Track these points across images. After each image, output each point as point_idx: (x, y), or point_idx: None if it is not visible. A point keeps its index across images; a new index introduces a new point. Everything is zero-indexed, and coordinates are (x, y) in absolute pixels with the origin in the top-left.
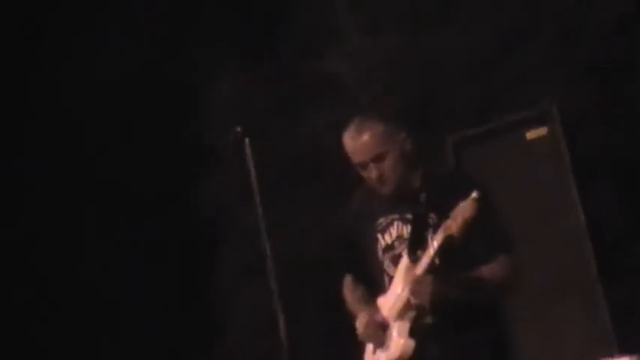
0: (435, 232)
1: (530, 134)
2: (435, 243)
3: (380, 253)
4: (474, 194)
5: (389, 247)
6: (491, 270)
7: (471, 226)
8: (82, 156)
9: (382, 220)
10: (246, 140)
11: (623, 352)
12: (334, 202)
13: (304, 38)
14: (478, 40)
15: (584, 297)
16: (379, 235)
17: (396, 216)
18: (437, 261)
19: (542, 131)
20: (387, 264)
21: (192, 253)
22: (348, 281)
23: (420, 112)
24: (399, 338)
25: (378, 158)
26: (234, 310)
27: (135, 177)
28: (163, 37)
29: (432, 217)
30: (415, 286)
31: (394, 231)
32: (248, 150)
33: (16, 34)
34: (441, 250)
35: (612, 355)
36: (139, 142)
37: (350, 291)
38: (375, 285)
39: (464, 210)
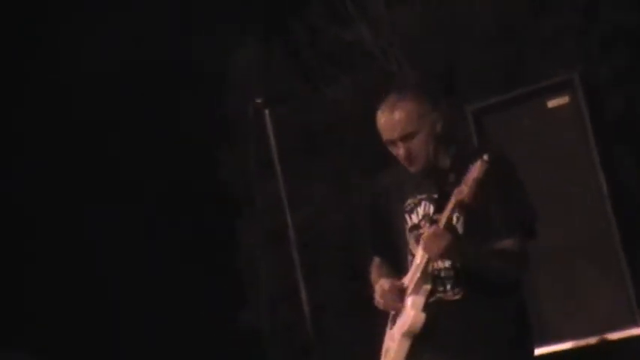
0: (457, 212)
1: (552, 102)
2: (448, 206)
3: (407, 233)
4: (485, 156)
5: (415, 227)
6: (505, 245)
7: (481, 189)
8: (104, 131)
9: (410, 201)
10: (266, 111)
11: None
12: (355, 172)
13: (327, 7)
14: (500, 10)
15: (607, 264)
16: (407, 216)
17: (424, 196)
18: (454, 221)
19: (563, 99)
20: (411, 243)
21: (215, 223)
22: (376, 261)
23: (443, 81)
24: (410, 310)
25: (407, 137)
26: (257, 279)
27: (157, 150)
28: (185, 6)
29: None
30: (430, 237)
31: (421, 210)
32: (268, 121)
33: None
34: (455, 215)
35: (636, 322)
36: (161, 114)
37: (377, 269)
38: (401, 266)
39: (473, 172)
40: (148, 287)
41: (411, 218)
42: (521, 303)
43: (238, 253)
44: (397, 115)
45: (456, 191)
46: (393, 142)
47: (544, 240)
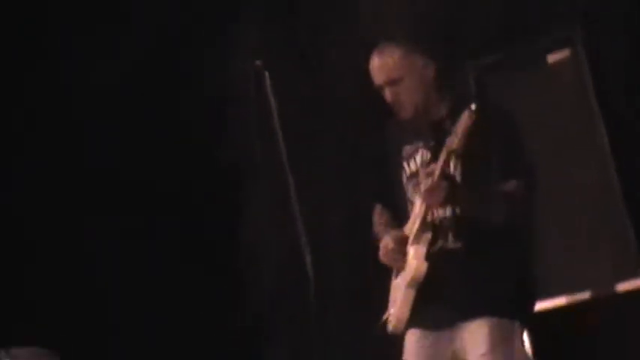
0: (455, 159)
1: (552, 57)
2: (441, 156)
3: (405, 181)
4: (472, 106)
5: (413, 175)
6: (504, 190)
7: (471, 138)
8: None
9: (408, 148)
10: (266, 74)
11: None
12: (357, 135)
13: None
14: None
15: (608, 220)
16: (404, 163)
17: (421, 144)
18: (451, 169)
19: (564, 54)
20: (410, 191)
21: (217, 191)
22: (377, 209)
23: (442, 38)
24: (413, 260)
25: (393, 82)
26: (261, 245)
27: (156, 120)
28: None
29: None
30: (428, 191)
31: (418, 158)
32: (268, 84)
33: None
34: (452, 163)
35: (638, 274)
36: (159, 80)
37: (378, 216)
38: (402, 214)
39: (462, 122)
40: (153, 255)
41: (409, 166)
42: (524, 253)
43: (240, 220)
44: (382, 59)
45: (447, 141)
46: (382, 88)
47: (545, 195)
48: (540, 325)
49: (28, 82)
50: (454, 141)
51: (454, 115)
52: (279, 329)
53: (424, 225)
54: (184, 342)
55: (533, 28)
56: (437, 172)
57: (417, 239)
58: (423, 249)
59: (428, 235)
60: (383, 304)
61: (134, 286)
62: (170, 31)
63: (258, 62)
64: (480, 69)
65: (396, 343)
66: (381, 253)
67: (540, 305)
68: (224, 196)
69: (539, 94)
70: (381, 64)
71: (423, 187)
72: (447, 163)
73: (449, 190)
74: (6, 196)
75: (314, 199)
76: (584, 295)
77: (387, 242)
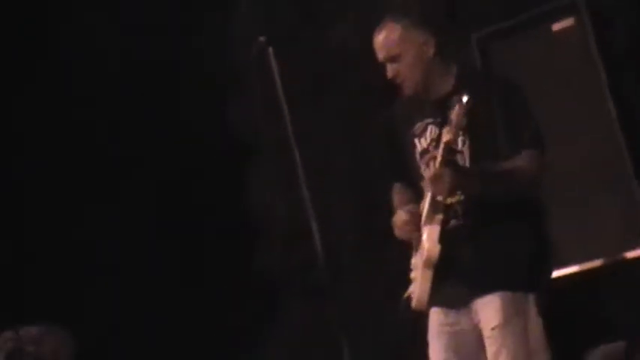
0: (463, 135)
1: (557, 26)
2: (440, 146)
3: (417, 157)
4: (464, 98)
5: (424, 151)
6: (513, 163)
7: (466, 130)
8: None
9: (419, 125)
10: (270, 50)
11: None
12: (362, 110)
13: None
14: None
15: (618, 191)
16: (416, 140)
17: (430, 120)
18: (459, 145)
19: (569, 22)
20: (423, 168)
21: (223, 166)
22: (397, 187)
23: (445, 9)
24: (426, 241)
25: (392, 58)
26: (269, 221)
27: (160, 96)
28: None
29: (463, 121)
30: (433, 180)
31: (429, 134)
32: (272, 60)
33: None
34: (460, 139)
35: None
36: (162, 59)
37: (397, 195)
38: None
39: (454, 114)
40: (160, 233)
41: (420, 142)
42: (539, 226)
43: (247, 197)
44: (382, 36)
45: (444, 131)
46: (384, 65)
47: (552, 166)
48: (552, 293)
49: (28, 87)
50: (448, 134)
51: (461, 86)
52: (291, 304)
53: (435, 206)
54: (194, 287)
55: None
56: (439, 159)
57: (430, 219)
58: (436, 229)
59: (440, 216)
60: (396, 278)
61: (140, 272)
62: (172, 8)
63: (261, 38)
64: (484, 40)
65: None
66: (396, 227)
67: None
68: (230, 173)
69: (545, 63)
70: (382, 41)
71: (426, 175)
72: (447, 151)
73: (452, 177)
74: (5, 185)
75: (320, 175)
76: (595, 263)
77: (400, 215)
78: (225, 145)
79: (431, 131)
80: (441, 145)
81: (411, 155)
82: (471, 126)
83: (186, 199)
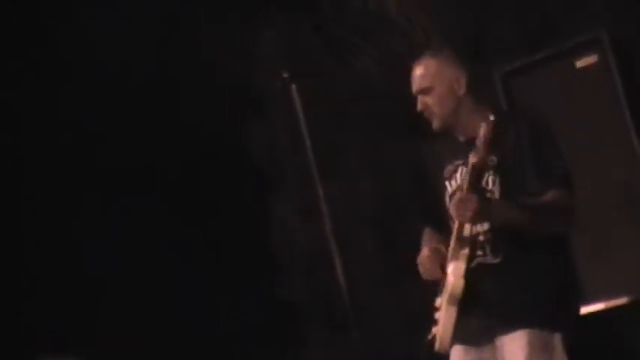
0: (493, 174)
1: (580, 62)
2: (468, 170)
3: (447, 200)
4: (490, 116)
5: (454, 194)
6: (542, 200)
7: (495, 149)
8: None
9: (449, 167)
10: (293, 86)
11: None
12: (384, 143)
13: None
14: None
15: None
16: (447, 183)
17: (461, 162)
18: (489, 183)
19: (592, 58)
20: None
21: (246, 198)
22: (426, 231)
23: (469, 47)
24: (451, 277)
25: (423, 91)
26: (291, 253)
27: (185, 127)
28: None
29: (492, 160)
30: (456, 205)
31: (459, 176)
32: (296, 95)
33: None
34: (490, 177)
35: None
36: (188, 92)
37: (426, 237)
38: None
39: (480, 135)
40: (182, 263)
41: (450, 185)
42: (566, 263)
43: (272, 227)
44: (418, 70)
45: (470, 155)
46: (416, 97)
47: (577, 200)
48: (578, 331)
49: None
50: (475, 155)
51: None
52: (313, 336)
53: (460, 241)
54: (219, 319)
55: (560, 33)
56: (465, 185)
57: (455, 256)
58: (461, 265)
59: (465, 252)
60: (418, 313)
61: (161, 305)
62: (197, 46)
63: (284, 74)
64: (508, 76)
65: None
66: (420, 265)
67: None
68: (253, 205)
69: (569, 99)
70: (417, 74)
71: (452, 205)
72: (474, 176)
73: (479, 204)
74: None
75: (343, 208)
76: (621, 301)
77: (424, 252)
78: (248, 177)
79: (462, 173)
80: (469, 169)
81: (442, 198)
82: (501, 165)
83: (208, 230)
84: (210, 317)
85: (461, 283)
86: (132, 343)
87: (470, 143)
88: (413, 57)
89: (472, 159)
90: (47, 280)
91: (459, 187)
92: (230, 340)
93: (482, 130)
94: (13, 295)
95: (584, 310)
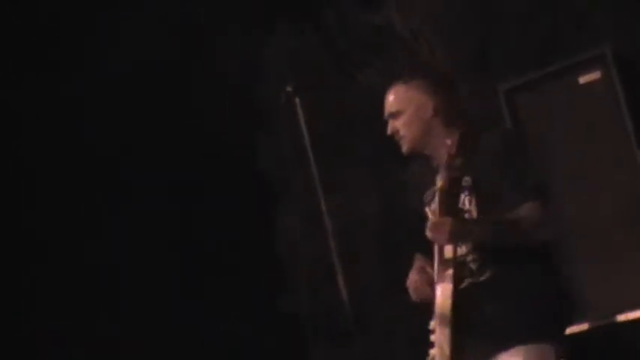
0: (469, 194)
1: (584, 78)
2: (437, 194)
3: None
4: (447, 141)
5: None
6: (516, 214)
7: (465, 169)
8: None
9: (428, 193)
10: (297, 100)
11: None
12: (388, 157)
13: None
14: None
15: None
16: (426, 208)
17: (436, 186)
18: (466, 204)
19: (595, 75)
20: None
21: (251, 211)
22: (417, 256)
23: (474, 62)
24: (438, 298)
25: (392, 115)
26: (294, 265)
27: (190, 139)
28: None
29: (467, 180)
30: (432, 229)
31: (436, 201)
32: (300, 109)
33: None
34: (467, 198)
35: None
36: (194, 104)
37: (416, 263)
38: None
39: (442, 161)
40: (185, 275)
41: (430, 209)
42: (554, 273)
43: (276, 239)
44: (389, 96)
45: (437, 180)
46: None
47: (578, 217)
48: (578, 348)
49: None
50: (440, 179)
51: (464, 150)
52: (315, 348)
53: (443, 263)
54: (223, 330)
55: (563, 50)
56: (437, 208)
57: (441, 277)
58: (448, 286)
59: (449, 272)
60: (419, 326)
61: (163, 315)
62: (203, 59)
63: (289, 88)
64: (511, 91)
65: None
66: (409, 288)
67: (575, 328)
68: (258, 218)
69: (572, 115)
70: (388, 100)
71: (427, 230)
72: (447, 199)
73: (452, 226)
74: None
75: (346, 221)
76: (618, 318)
77: (411, 275)
78: (253, 190)
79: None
80: (438, 193)
81: (424, 223)
82: (476, 184)
83: (212, 242)
84: (213, 328)
85: (448, 303)
86: (132, 346)
87: (445, 165)
88: (416, 71)
89: (439, 183)
90: (47, 280)
91: (433, 212)
92: (233, 351)
93: (444, 154)
94: (13, 295)
95: (587, 326)
